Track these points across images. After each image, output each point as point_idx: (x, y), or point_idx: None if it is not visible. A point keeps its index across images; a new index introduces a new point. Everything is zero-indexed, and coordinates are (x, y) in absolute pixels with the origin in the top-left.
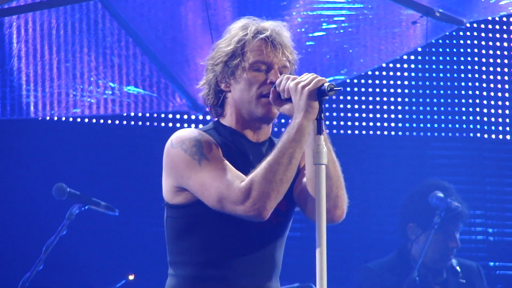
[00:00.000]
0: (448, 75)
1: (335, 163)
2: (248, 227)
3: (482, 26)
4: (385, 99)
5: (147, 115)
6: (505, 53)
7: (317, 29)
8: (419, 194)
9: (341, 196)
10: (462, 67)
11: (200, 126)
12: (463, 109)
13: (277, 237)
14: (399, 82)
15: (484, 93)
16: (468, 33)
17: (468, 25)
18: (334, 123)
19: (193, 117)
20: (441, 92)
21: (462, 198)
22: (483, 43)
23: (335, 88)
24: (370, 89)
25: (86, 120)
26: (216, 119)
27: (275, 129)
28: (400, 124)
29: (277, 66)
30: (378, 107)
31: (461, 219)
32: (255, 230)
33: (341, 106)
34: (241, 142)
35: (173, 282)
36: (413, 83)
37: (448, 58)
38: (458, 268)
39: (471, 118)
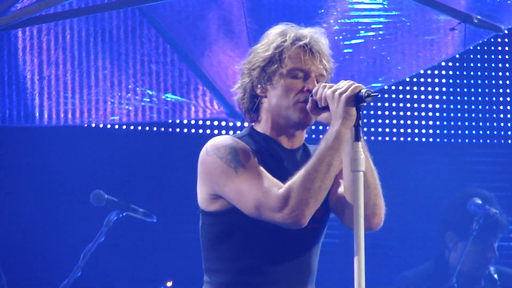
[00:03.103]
0: (487, 81)
1: (373, 171)
2: (284, 233)
3: None
4: (423, 105)
5: (185, 122)
6: None
7: (354, 36)
8: (458, 202)
9: (379, 204)
10: (500, 73)
11: (238, 132)
12: (501, 115)
13: (312, 243)
14: (437, 89)
15: None
16: (506, 40)
17: (506, 31)
18: (372, 129)
19: (230, 124)
20: (479, 98)
21: (501, 207)
22: None
23: (372, 94)
24: (408, 96)
25: (124, 127)
26: (251, 124)
27: (313, 135)
28: (438, 131)
29: (314, 74)
30: (416, 113)
31: (499, 229)
32: (290, 237)
33: (379, 112)
34: (275, 149)
35: None
36: (451, 89)
37: (486, 65)
38: (496, 276)
39: (509, 124)
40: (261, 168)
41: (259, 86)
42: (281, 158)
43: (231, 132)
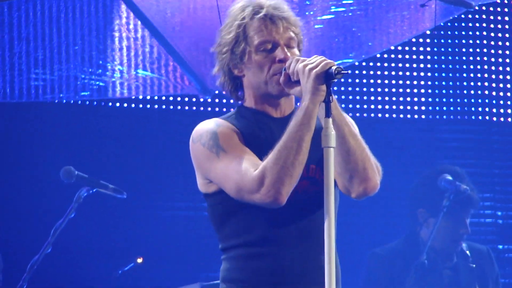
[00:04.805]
0: (457, 58)
1: (356, 136)
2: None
3: (491, 9)
4: (393, 82)
5: (156, 98)
6: None
7: (325, 12)
8: (428, 179)
9: (370, 167)
10: (470, 50)
11: (223, 115)
12: (472, 92)
13: (319, 206)
14: (407, 65)
15: (493, 76)
16: (477, 16)
17: (477, 8)
18: (343, 106)
19: (201, 100)
20: (450, 75)
21: (473, 183)
22: (492, 26)
23: (342, 72)
24: (378, 72)
25: (95, 103)
26: (239, 103)
27: None
28: (408, 107)
29: (282, 41)
30: (386, 90)
31: (471, 205)
32: (292, 203)
33: (350, 89)
34: (264, 121)
35: (225, 265)
36: (421, 65)
37: (456, 41)
38: (468, 252)
39: (479, 101)
40: (243, 149)
41: (234, 67)
42: (271, 128)
43: (201, 108)
